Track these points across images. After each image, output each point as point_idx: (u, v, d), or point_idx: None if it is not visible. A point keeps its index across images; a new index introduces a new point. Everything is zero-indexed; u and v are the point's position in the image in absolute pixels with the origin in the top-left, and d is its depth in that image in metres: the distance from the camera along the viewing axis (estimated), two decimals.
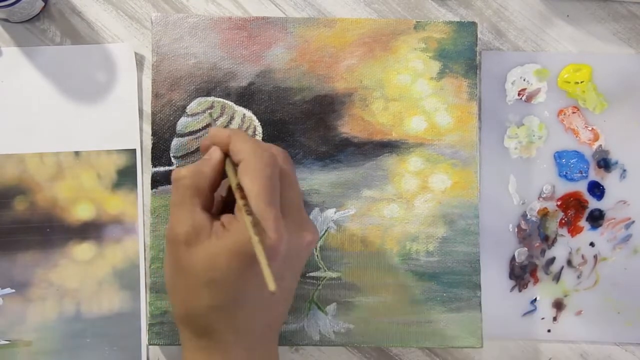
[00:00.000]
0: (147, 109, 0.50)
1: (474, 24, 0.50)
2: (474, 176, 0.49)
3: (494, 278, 0.50)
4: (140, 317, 0.48)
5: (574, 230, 0.51)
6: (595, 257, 0.51)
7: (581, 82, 0.51)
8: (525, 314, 0.50)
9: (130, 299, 0.49)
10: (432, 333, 0.48)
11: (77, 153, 0.50)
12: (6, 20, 0.50)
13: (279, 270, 0.37)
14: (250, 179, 0.37)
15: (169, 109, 0.49)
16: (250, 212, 0.36)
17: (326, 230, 0.48)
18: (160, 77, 0.49)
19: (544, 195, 0.51)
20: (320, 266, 0.48)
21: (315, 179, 0.49)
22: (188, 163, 0.48)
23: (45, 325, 0.48)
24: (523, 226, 0.51)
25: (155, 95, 0.49)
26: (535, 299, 0.50)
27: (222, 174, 0.40)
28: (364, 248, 0.49)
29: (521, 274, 0.50)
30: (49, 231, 0.49)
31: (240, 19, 0.49)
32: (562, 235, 0.51)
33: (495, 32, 0.52)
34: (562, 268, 0.50)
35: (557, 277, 0.50)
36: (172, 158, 0.48)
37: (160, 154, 0.48)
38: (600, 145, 0.51)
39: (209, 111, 0.48)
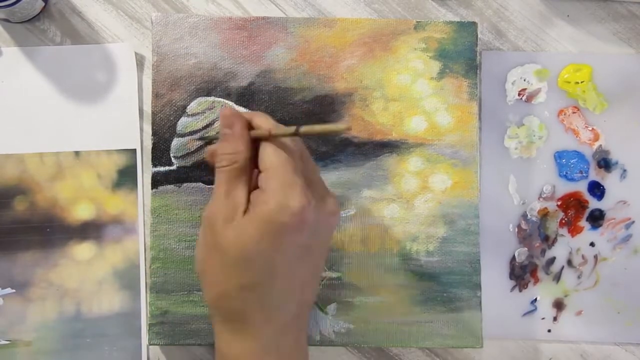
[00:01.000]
0: (148, 109, 0.50)
1: (474, 24, 0.50)
2: (474, 176, 0.49)
3: (494, 278, 0.50)
4: (140, 317, 0.48)
5: (574, 230, 0.51)
6: (595, 257, 0.51)
7: (581, 82, 0.51)
8: (525, 314, 0.50)
9: (130, 299, 0.49)
10: (432, 333, 0.48)
11: (77, 153, 0.50)
12: (6, 20, 0.50)
13: (307, 241, 0.38)
14: (273, 150, 0.38)
15: (169, 109, 0.49)
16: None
17: None
18: (160, 77, 0.49)
19: (544, 195, 0.51)
20: None
21: None
22: (188, 163, 0.48)
23: (45, 325, 0.48)
24: (523, 226, 0.51)
25: (156, 95, 0.49)
26: (536, 299, 0.50)
27: (252, 148, 0.40)
28: (364, 248, 0.49)
29: (521, 274, 0.50)
30: (49, 231, 0.49)
31: (240, 19, 0.49)
32: (562, 235, 0.51)
33: (496, 32, 0.52)
34: (562, 268, 0.50)
35: (557, 277, 0.50)
36: (172, 158, 0.48)
37: (160, 154, 0.48)
38: (601, 145, 0.51)
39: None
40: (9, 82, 0.50)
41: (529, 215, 0.51)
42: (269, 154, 0.38)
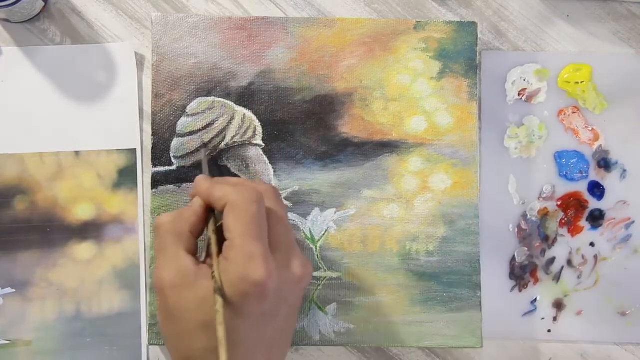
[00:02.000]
0: (148, 108, 0.50)
1: (474, 24, 0.50)
2: (474, 176, 0.49)
3: (494, 278, 0.50)
4: (140, 317, 0.48)
5: (574, 230, 0.51)
6: (595, 257, 0.51)
7: (581, 82, 0.51)
8: (525, 314, 0.50)
9: (130, 299, 0.49)
10: (432, 333, 0.48)
11: (77, 153, 0.50)
12: (6, 20, 0.50)
13: (271, 307, 0.37)
14: (235, 218, 0.37)
15: (169, 109, 0.49)
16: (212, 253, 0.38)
17: (326, 230, 0.48)
18: (160, 77, 0.49)
19: (544, 195, 0.51)
20: (321, 266, 0.48)
21: (315, 179, 0.49)
22: (188, 163, 0.48)
23: (45, 325, 0.48)
24: (523, 226, 0.51)
25: (156, 95, 0.49)
26: (536, 299, 0.50)
27: (204, 220, 0.40)
28: (364, 248, 0.49)
29: (521, 274, 0.50)
30: (49, 231, 0.49)
31: (240, 19, 0.49)
32: (562, 235, 0.51)
33: (496, 32, 0.52)
34: (562, 268, 0.50)
35: (557, 277, 0.50)
36: (172, 158, 0.48)
37: (160, 154, 0.48)
38: (601, 145, 0.51)
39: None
40: (9, 82, 0.50)
41: (528, 215, 0.51)
42: (229, 222, 0.37)
